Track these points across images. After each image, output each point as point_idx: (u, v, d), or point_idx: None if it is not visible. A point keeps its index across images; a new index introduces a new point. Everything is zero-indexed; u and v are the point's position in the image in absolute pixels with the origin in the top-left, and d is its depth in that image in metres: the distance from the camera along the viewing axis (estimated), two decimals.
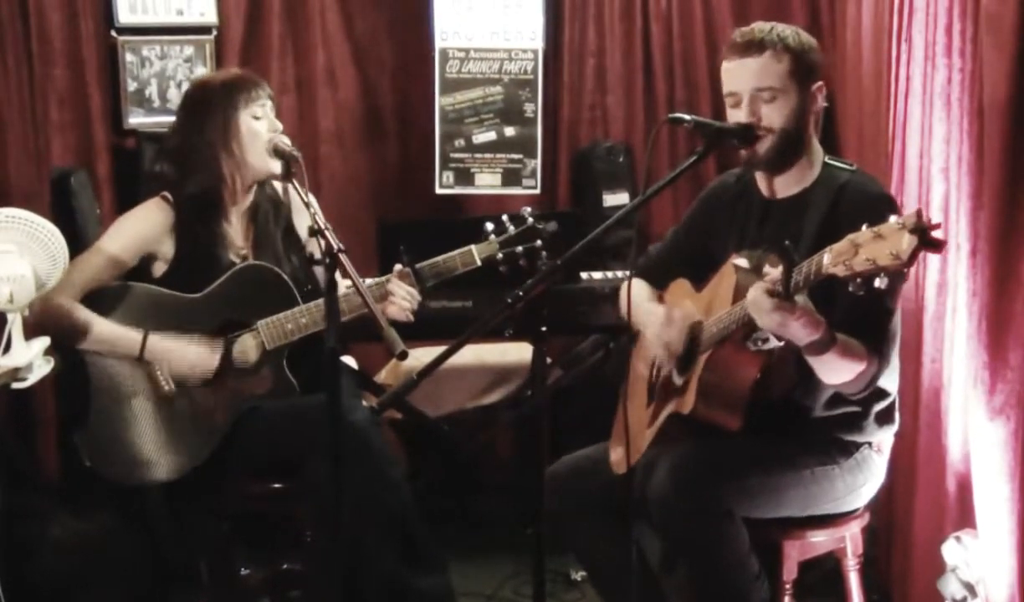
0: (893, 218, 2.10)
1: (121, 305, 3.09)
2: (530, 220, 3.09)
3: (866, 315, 2.50)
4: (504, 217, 3.11)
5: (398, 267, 3.09)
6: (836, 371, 2.52)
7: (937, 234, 2.07)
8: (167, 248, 3.14)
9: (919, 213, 2.07)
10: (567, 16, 4.49)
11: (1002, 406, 2.84)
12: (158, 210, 3.15)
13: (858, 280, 2.13)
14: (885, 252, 2.08)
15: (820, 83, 2.71)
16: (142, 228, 3.14)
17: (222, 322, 3.10)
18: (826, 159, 2.75)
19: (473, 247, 3.09)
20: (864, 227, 2.14)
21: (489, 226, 3.10)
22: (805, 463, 2.71)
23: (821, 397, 2.69)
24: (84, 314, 3.05)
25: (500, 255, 3.09)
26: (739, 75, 2.67)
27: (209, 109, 3.12)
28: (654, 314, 2.81)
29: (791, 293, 2.32)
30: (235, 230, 3.20)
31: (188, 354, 3.06)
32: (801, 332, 2.40)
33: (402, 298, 3.05)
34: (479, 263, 3.09)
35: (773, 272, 2.38)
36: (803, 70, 2.67)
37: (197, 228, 3.13)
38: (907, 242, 2.05)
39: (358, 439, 2.96)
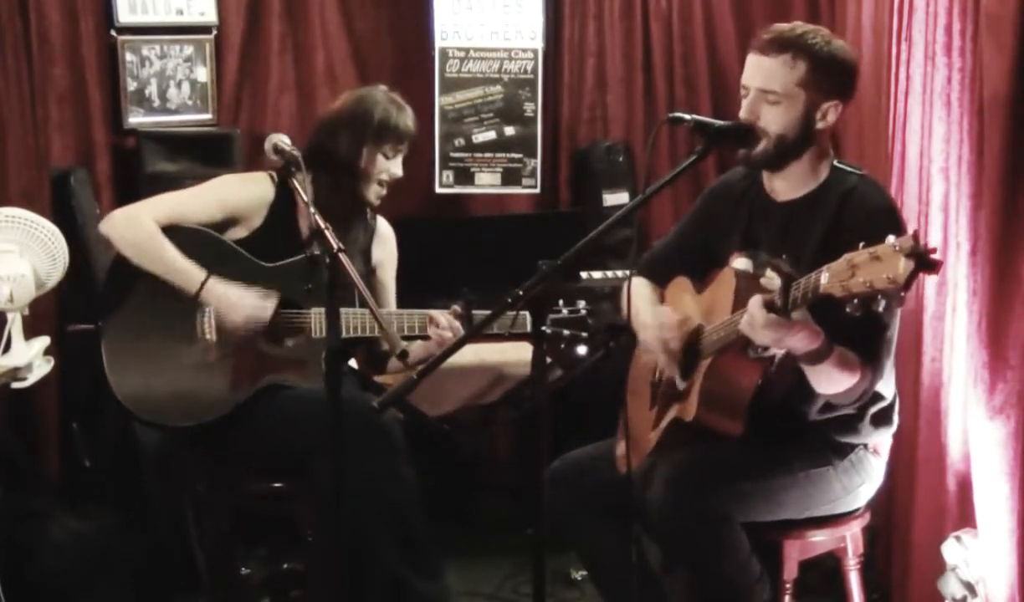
0: (890, 239, 2.08)
1: (194, 245, 3.12)
2: (583, 312, 3.14)
3: (861, 329, 2.46)
4: (560, 301, 3.15)
5: (455, 307, 3.13)
6: (831, 381, 2.51)
7: (934, 257, 2.04)
8: (256, 220, 3.21)
9: (916, 236, 2.05)
10: (567, 16, 4.50)
11: (1002, 405, 2.85)
12: (263, 183, 3.24)
13: (855, 301, 2.12)
14: (882, 276, 2.06)
15: (836, 102, 2.63)
16: (244, 194, 3.22)
17: (280, 297, 3.14)
18: (835, 163, 2.72)
19: (527, 314, 3.12)
20: (861, 246, 2.12)
21: None
22: (800, 466, 2.70)
23: (816, 402, 2.68)
24: (161, 239, 3.09)
25: (549, 331, 3.12)
26: (752, 70, 2.65)
27: (363, 126, 3.22)
28: (654, 317, 2.80)
29: (789, 309, 2.32)
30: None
31: (244, 301, 3.09)
32: (799, 343, 2.39)
33: (446, 331, 3.10)
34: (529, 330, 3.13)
35: (771, 283, 2.37)
36: (818, 81, 2.60)
37: (291, 213, 3.22)
38: (903, 266, 2.03)
39: (378, 436, 3.00)
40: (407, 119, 3.26)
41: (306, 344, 3.13)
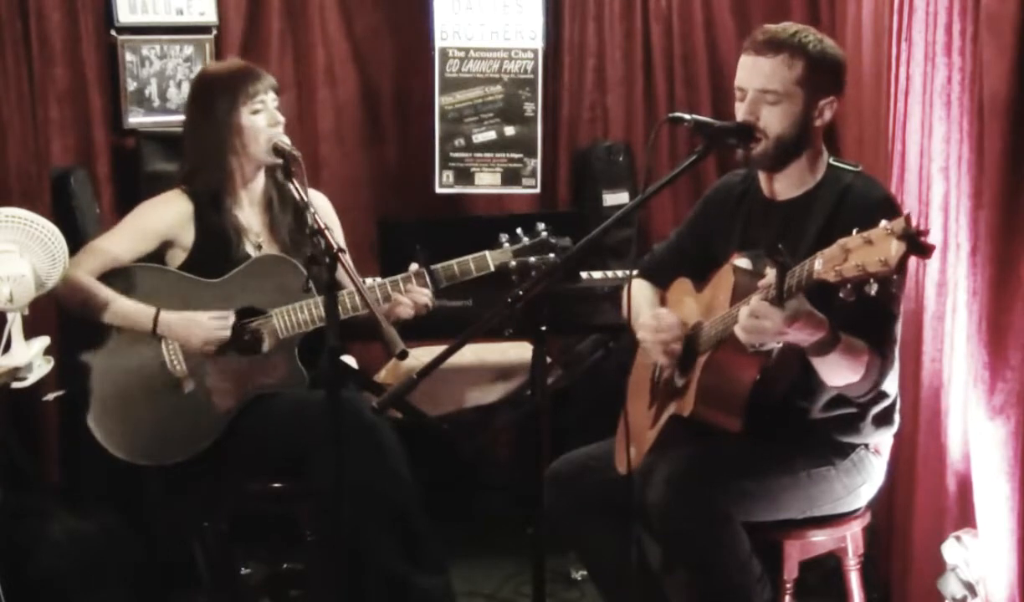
0: (883, 223, 2.09)
1: (138, 285, 3.14)
2: (544, 234, 3.14)
3: (867, 317, 2.48)
4: (519, 230, 3.14)
5: (413, 267, 3.12)
6: (840, 372, 2.51)
7: (926, 240, 2.05)
8: (187, 237, 3.21)
9: (908, 219, 2.06)
10: (567, 16, 4.50)
11: (1002, 406, 2.84)
12: (177, 200, 3.23)
13: (848, 286, 2.13)
14: (874, 258, 2.07)
15: (832, 99, 2.67)
16: (163, 215, 3.22)
17: (237, 309, 3.13)
18: (831, 161, 2.74)
19: (487, 253, 3.13)
20: (855, 232, 2.13)
21: (503, 236, 3.14)
22: (801, 465, 2.71)
23: (819, 399, 2.69)
24: (102, 290, 3.11)
25: (513, 263, 3.12)
26: (748, 72, 2.66)
27: (211, 104, 3.20)
28: (654, 319, 2.80)
29: (784, 298, 2.32)
30: (250, 217, 3.27)
31: (201, 324, 3.09)
32: (803, 335, 2.39)
33: (417, 294, 3.09)
34: (492, 269, 3.13)
35: (766, 280, 2.37)
36: (815, 80, 2.63)
37: (214, 218, 3.21)
38: (895, 249, 2.04)
39: (368, 434, 2.99)
40: (243, 69, 3.22)
41: (277, 347, 3.12)
